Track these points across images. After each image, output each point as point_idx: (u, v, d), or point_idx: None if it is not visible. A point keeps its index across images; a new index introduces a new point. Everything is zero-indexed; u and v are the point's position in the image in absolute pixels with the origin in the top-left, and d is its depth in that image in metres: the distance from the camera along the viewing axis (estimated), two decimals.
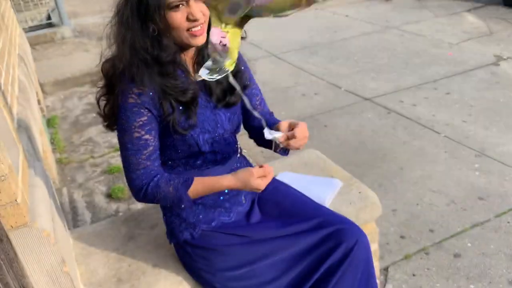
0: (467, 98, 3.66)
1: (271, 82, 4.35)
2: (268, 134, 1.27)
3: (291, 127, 1.29)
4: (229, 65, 1.25)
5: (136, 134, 1.25)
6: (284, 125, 1.31)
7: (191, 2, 1.18)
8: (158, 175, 1.28)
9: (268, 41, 5.56)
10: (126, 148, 1.27)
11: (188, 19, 1.19)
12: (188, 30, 1.20)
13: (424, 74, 4.18)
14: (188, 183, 1.27)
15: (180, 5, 1.18)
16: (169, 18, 1.18)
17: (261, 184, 1.27)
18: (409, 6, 6.40)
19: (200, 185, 1.29)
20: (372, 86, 4.07)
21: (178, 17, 1.18)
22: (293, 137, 1.25)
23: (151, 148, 1.27)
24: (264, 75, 4.51)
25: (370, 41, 5.22)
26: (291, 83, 4.32)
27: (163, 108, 1.26)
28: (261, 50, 5.28)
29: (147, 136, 1.26)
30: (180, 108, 1.28)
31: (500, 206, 2.42)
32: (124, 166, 1.29)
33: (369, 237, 1.38)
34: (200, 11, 1.20)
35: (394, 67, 4.42)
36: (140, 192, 1.28)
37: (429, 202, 2.50)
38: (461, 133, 3.16)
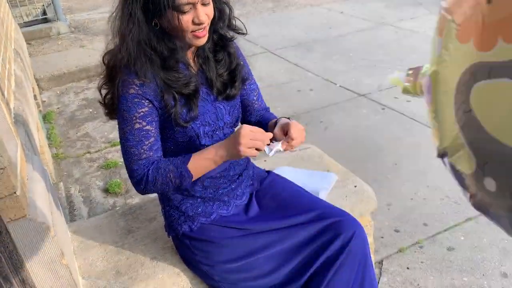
0: None
1: (267, 78, 4.36)
2: (269, 151, 1.26)
3: (284, 130, 1.30)
4: None
5: (137, 125, 1.25)
6: (278, 133, 1.31)
7: (198, 6, 1.19)
8: (157, 162, 1.28)
9: (264, 37, 5.57)
10: (127, 139, 1.26)
11: (193, 23, 1.20)
12: (192, 31, 1.22)
13: None
14: (187, 158, 1.26)
15: (188, 9, 1.19)
16: (175, 19, 1.19)
17: (248, 143, 1.19)
18: (404, 3, 6.42)
19: (197, 156, 1.26)
20: (367, 82, 4.09)
21: (184, 20, 1.19)
22: (291, 139, 1.27)
23: (152, 139, 1.27)
24: (260, 71, 4.52)
25: (365, 38, 5.24)
26: (287, 79, 4.34)
27: (165, 101, 1.26)
28: (257, 46, 5.29)
29: (148, 127, 1.26)
30: (182, 100, 1.30)
31: None
32: (124, 158, 1.28)
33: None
34: (205, 14, 1.21)
35: (389, 64, 4.44)
36: (141, 181, 1.26)
37: (423, 197, 2.54)
38: None
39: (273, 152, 1.26)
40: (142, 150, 1.26)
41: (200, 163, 1.26)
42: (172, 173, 1.25)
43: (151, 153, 1.27)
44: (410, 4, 6.36)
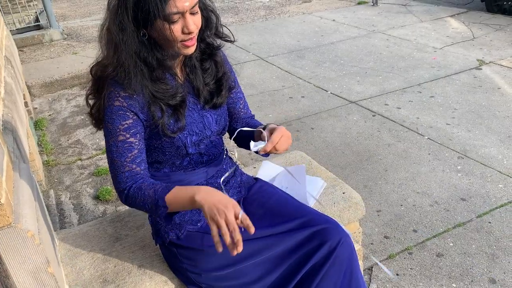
0: (450, 102, 3.73)
1: (259, 85, 4.38)
2: (253, 147, 1.29)
3: (272, 135, 1.31)
4: None
5: (121, 137, 1.26)
6: (266, 135, 1.32)
7: (187, 15, 1.19)
8: (142, 179, 1.28)
9: (256, 44, 5.60)
10: (111, 151, 1.28)
11: (183, 32, 1.20)
12: (181, 41, 1.22)
13: (409, 78, 4.25)
14: (168, 188, 1.24)
15: (177, 18, 1.18)
16: (165, 29, 1.19)
17: (228, 209, 1.13)
18: (395, 11, 6.49)
19: (178, 190, 1.23)
20: (358, 89, 4.12)
21: (173, 30, 1.19)
22: (274, 142, 1.27)
23: (135, 151, 1.28)
24: (252, 78, 4.55)
25: (356, 45, 5.28)
26: (279, 86, 4.36)
27: (152, 113, 1.27)
28: (249, 53, 5.31)
29: (131, 139, 1.27)
30: (169, 111, 1.30)
31: (481, 206, 2.47)
32: (109, 168, 1.30)
33: (352, 237, 1.41)
34: (194, 23, 1.21)
35: (379, 71, 4.48)
36: (122, 194, 1.28)
37: (413, 203, 2.55)
38: (445, 135, 3.22)
39: (256, 148, 1.28)
40: (125, 162, 1.27)
41: (179, 196, 1.22)
42: (150, 199, 1.24)
43: (134, 166, 1.28)
44: (400, 12, 6.43)
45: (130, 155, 1.27)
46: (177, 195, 1.22)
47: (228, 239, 1.12)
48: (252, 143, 1.29)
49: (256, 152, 1.36)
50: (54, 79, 4.71)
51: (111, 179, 3.00)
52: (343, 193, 1.80)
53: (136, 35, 1.21)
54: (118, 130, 1.26)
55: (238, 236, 1.12)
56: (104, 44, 1.26)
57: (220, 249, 1.15)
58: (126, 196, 1.27)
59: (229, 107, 1.52)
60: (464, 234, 2.28)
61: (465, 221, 2.38)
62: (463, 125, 3.35)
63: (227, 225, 1.12)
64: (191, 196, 1.19)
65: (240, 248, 1.12)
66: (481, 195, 2.57)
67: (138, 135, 1.28)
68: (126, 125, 1.26)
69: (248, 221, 1.15)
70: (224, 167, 1.52)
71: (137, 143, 1.28)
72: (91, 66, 1.32)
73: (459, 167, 2.84)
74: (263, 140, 1.31)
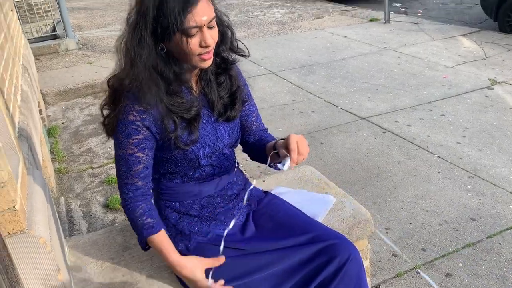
0: (461, 120, 3.71)
1: (270, 99, 4.41)
2: (282, 166, 1.27)
3: (289, 145, 1.30)
4: None
5: (129, 151, 1.30)
6: (283, 152, 1.31)
7: (204, 29, 1.22)
8: (144, 197, 1.36)
9: (268, 59, 5.65)
10: (118, 161, 1.33)
11: (200, 46, 1.23)
12: (198, 54, 1.24)
13: (420, 96, 4.25)
14: (156, 230, 1.34)
15: (195, 32, 1.21)
16: (183, 43, 1.21)
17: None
18: (407, 29, 6.52)
19: (163, 241, 1.34)
20: (369, 105, 4.13)
21: (191, 43, 1.21)
22: (295, 150, 1.27)
23: (141, 165, 1.32)
24: (263, 92, 4.58)
25: (367, 62, 5.31)
26: (289, 101, 4.38)
27: (165, 125, 1.29)
28: (261, 67, 5.36)
29: (139, 154, 1.30)
30: (183, 123, 1.32)
31: (492, 227, 2.45)
32: (116, 176, 1.37)
33: (360, 254, 1.41)
34: (212, 37, 1.24)
35: (390, 88, 4.49)
36: (122, 202, 1.37)
37: (422, 221, 2.53)
38: (455, 154, 3.21)
39: (286, 166, 1.27)
40: (130, 175, 1.32)
41: (158, 249, 1.34)
42: (136, 223, 1.35)
43: (137, 180, 1.33)
44: (412, 30, 6.45)
45: (135, 169, 1.32)
46: (157, 247, 1.34)
47: None
48: (279, 165, 1.28)
49: (262, 162, 1.37)
50: (68, 88, 4.79)
51: None
52: (352, 209, 1.80)
53: (154, 49, 1.23)
54: (128, 143, 1.29)
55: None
56: (121, 57, 1.28)
57: None
58: (123, 206, 1.37)
59: (242, 120, 1.54)
60: (474, 255, 2.26)
61: (474, 241, 2.36)
62: (474, 144, 3.33)
63: None
64: (165, 260, 1.35)
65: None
66: (491, 215, 2.55)
67: (146, 150, 1.32)
68: (136, 140, 1.29)
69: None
70: (235, 179, 1.53)
71: (144, 158, 1.32)
72: (108, 78, 1.35)
73: (469, 187, 2.83)
74: (281, 156, 1.31)
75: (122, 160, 1.32)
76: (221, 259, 1.32)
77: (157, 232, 1.33)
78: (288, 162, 1.26)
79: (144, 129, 1.29)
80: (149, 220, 1.34)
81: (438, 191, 2.80)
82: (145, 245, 1.38)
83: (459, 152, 3.24)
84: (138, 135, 1.29)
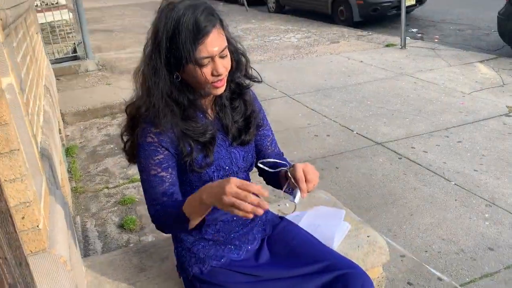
0: (478, 148, 3.68)
1: (285, 122, 4.44)
2: (292, 198, 1.27)
3: (295, 176, 1.30)
4: None
5: (153, 172, 1.32)
6: (292, 184, 1.31)
7: (216, 58, 1.26)
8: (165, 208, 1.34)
9: (283, 82, 5.71)
10: (144, 183, 1.35)
11: (212, 74, 1.27)
12: (211, 82, 1.29)
13: (436, 122, 4.23)
14: (182, 201, 1.26)
15: (207, 62, 1.26)
16: (195, 72, 1.26)
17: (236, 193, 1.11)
18: (423, 55, 6.54)
19: (190, 198, 1.24)
20: (384, 131, 4.13)
21: (204, 73, 1.26)
22: (302, 180, 1.28)
23: (167, 184, 1.33)
24: (278, 115, 4.62)
25: (383, 87, 5.32)
26: (304, 124, 4.40)
27: (181, 149, 1.33)
28: (276, 91, 5.41)
29: (163, 173, 1.33)
30: (198, 147, 1.35)
31: (510, 257, 2.40)
32: (146, 201, 1.37)
33: (375, 282, 1.40)
34: (223, 66, 1.28)
35: (406, 113, 4.49)
36: (156, 224, 1.36)
37: (438, 250, 2.50)
38: (472, 182, 3.18)
39: (297, 199, 1.27)
40: (157, 196, 1.33)
41: (191, 202, 1.24)
42: (172, 217, 1.28)
43: (165, 198, 1.33)
44: (429, 56, 6.47)
45: (161, 188, 1.33)
46: (190, 203, 1.23)
47: (248, 208, 1.09)
48: (291, 198, 1.28)
49: (278, 187, 1.38)
50: (87, 108, 4.89)
51: (136, 209, 3.06)
52: (368, 236, 1.79)
53: (168, 78, 1.28)
54: (150, 165, 1.32)
55: (253, 199, 1.09)
56: (138, 86, 1.34)
57: (261, 211, 1.11)
58: (158, 224, 1.34)
59: (257, 144, 1.56)
60: (492, 286, 2.21)
61: (492, 271, 2.31)
62: (491, 172, 3.29)
63: (238, 198, 1.10)
64: (200, 202, 1.20)
65: (261, 211, 1.10)
66: (510, 245, 2.50)
67: (169, 169, 1.34)
68: (157, 160, 1.32)
69: (250, 187, 1.11)
70: None
71: (168, 177, 1.34)
72: (126, 105, 1.40)
73: (486, 215, 2.79)
74: (292, 187, 1.32)
75: (147, 182, 1.34)
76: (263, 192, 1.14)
77: (185, 200, 1.25)
78: (298, 193, 1.27)
79: (164, 149, 1.32)
80: (176, 202, 1.30)
81: (454, 219, 2.76)
82: (189, 224, 1.25)
83: (476, 179, 3.20)
84: (158, 155, 1.32)
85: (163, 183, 1.33)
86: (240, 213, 1.11)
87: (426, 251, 2.49)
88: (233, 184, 1.12)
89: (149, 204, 1.35)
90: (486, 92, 4.92)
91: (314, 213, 1.86)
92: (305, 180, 1.27)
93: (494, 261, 2.38)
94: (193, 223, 1.27)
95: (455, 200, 2.97)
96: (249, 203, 1.10)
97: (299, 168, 1.29)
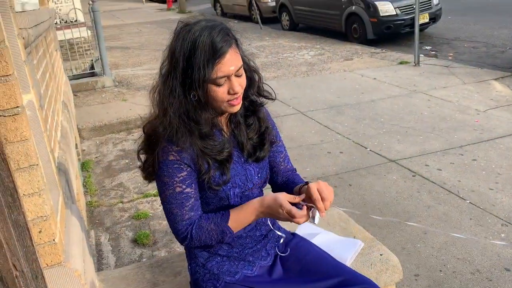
0: (494, 166, 3.64)
1: (298, 139, 4.45)
2: (312, 219, 1.32)
3: (311, 197, 1.32)
4: None
5: (178, 189, 1.34)
6: (309, 205, 1.33)
7: (232, 77, 1.29)
8: (199, 221, 1.36)
9: (296, 99, 5.74)
10: (169, 202, 1.35)
11: (229, 93, 1.30)
12: (227, 101, 1.31)
13: (451, 140, 4.20)
14: (226, 216, 1.36)
15: (223, 81, 1.29)
16: (212, 91, 1.29)
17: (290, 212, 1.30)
18: (437, 72, 6.52)
19: (237, 212, 1.36)
20: (398, 148, 4.11)
21: (220, 92, 1.29)
22: (319, 199, 1.29)
23: (192, 199, 1.36)
24: (291, 131, 4.63)
25: (397, 104, 5.31)
26: (317, 141, 4.41)
27: (200, 167, 1.35)
28: (289, 107, 5.44)
29: (188, 190, 1.35)
30: (215, 164, 1.37)
31: None
32: (168, 218, 1.38)
33: None
34: (239, 84, 1.31)
35: (420, 131, 4.46)
36: (186, 239, 1.36)
37: (453, 270, 2.46)
38: (487, 200, 3.13)
39: (317, 220, 1.31)
40: (184, 211, 1.35)
41: (240, 219, 1.36)
42: (213, 232, 1.35)
43: (192, 213, 1.36)
44: (443, 73, 6.45)
45: (188, 204, 1.35)
46: (238, 220, 1.36)
47: (302, 221, 1.31)
48: (311, 220, 1.32)
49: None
50: (103, 124, 4.98)
51: (150, 223, 3.08)
52: (381, 254, 1.78)
53: (185, 98, 1.31)
54: (175, 182, 1.34)
55: (304, 213, 1.31)
56: (155, 105, 1.37)
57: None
58: (190, 239, 1.36)
59: (270, 160, 1.58)
60: None
61: None
62: (507, 191, 3.25)
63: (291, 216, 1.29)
64: (253, 218, 1.36)
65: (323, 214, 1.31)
66: None
67: (193, 184, 1.36)
68: (182, 177, 1.34)
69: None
70: (263, 220, 1.55)
71: (193, 192, 1.36)
72: (143, 124, 1.43)
73: (502, 235, 2.74)
74: (307, 207, 1.33)
75: (172, 200, 1.35)
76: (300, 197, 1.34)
77: (229, 214, 1.36)
78: (317, 214, 1.29)
79: (186, 166, 1.34)
80: (215, 217, 1.36)
81: (469, 239, 2.72)
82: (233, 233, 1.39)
83: (491, 198, 3.16)
84: (182, 172, 1.34)
85: (189, 199, 1.35)
86: (299, 219, 1.31)
87: (440, 271, 2.46)
88: (283, 210, 1.30)
89: (177, 221, 1.35)
90: (501, 110, 4.88)
91: (328, 237, 1.85)
92: (321, 199, 1.29)
93: (511, 282, 2.34)
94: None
95: (470, 219, 2.93)
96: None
97: (314, 188, 1.30)
